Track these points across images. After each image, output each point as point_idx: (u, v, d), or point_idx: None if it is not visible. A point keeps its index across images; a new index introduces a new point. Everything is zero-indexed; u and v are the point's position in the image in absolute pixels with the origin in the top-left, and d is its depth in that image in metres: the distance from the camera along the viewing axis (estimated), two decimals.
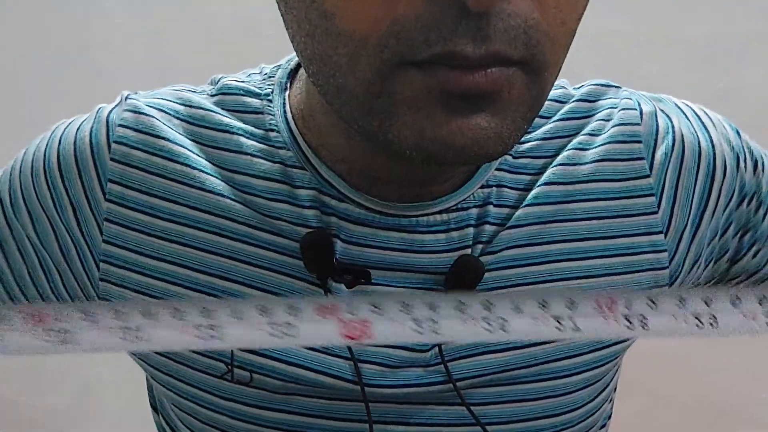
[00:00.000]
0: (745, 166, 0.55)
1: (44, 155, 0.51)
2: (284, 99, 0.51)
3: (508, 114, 0.38)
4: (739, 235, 0.56)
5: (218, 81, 0.53)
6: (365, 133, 0.40)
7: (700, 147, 0.53)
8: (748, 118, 1.27)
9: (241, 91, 0.52)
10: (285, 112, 0.50)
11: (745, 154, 0.55)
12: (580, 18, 0.39)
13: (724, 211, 0.54)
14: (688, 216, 0.52)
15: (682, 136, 0.53)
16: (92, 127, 0.51)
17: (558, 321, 0.29)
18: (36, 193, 0.51)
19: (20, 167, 0.52)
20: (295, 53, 0.53)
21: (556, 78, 0.40)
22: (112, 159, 0.49)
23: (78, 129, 0.52)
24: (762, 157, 0.57)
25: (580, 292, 0.30)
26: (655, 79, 1.29)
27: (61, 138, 0.52)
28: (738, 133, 0.56)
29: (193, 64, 1.32)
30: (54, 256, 0.52)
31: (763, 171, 0.56)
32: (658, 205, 0.51)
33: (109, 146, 0.50)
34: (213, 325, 0.30)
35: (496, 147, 0.38)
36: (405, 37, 0.35)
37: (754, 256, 0.58)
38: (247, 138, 0.50)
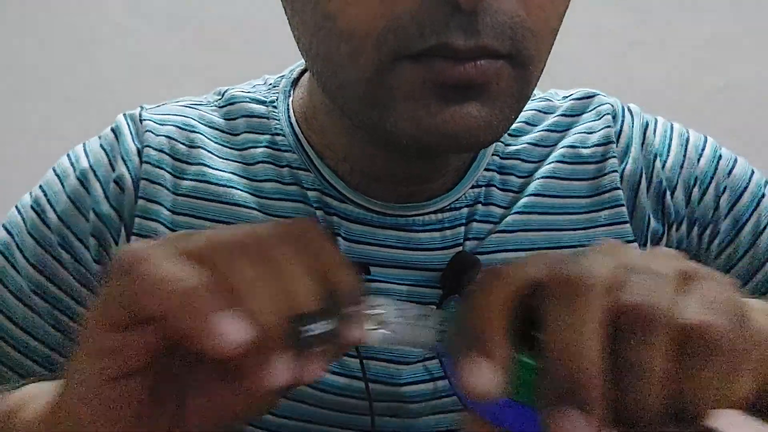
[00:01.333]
0: (702, 195, 0.55)
1: (81, 182, 0.52)
2: (288, 104, 0.54)
3: (497, 104, 0.40)
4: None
5: (224, 93, 0.56)
6: (366, 125, 0.42)
7: (654, 165, 0.54)
8: (746, 116, 1.28)
9: (248, 99, 0.54)
10: (289, 116, 0.53)
11: (708, 182, 0.55)
12: (562, 17, 0.42)
13: (676, 233, 0.55)
14: (645, 230, 0.54)
15: (639, 154, 0.54)
16: (122, 148, 0.52)
17: None
18: (84, 218, 0.52)
19: (52, 204, 0.53)
20: (294, 63, 0.55)
21: (541, 72, 0.43)
22: (143, 178, 0.51)
23: (107, 150, 0.53)
24: (744, 190, 0.56)
25: None
26: (656, 79, 1.30)
27: (91, 162, 0.53)
28: (718, 160, 0.56)
29: (193, 64, 1.32)
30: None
31: (733, 203, 0.55)
32: (629, 215, 0.53)
33: (141, 166, 0.52)
34: None
35: (486, 135, 0.41)
36: (402, 32, 0.38)
37: None
38: (256, 147, 0.53)
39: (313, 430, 0.50)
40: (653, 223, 0.54)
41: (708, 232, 0.55)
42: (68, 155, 0.55)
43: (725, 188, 0.55)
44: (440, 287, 0.50)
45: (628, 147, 0.54)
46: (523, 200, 0.52)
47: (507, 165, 0.53)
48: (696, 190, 0.55)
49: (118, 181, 0.52)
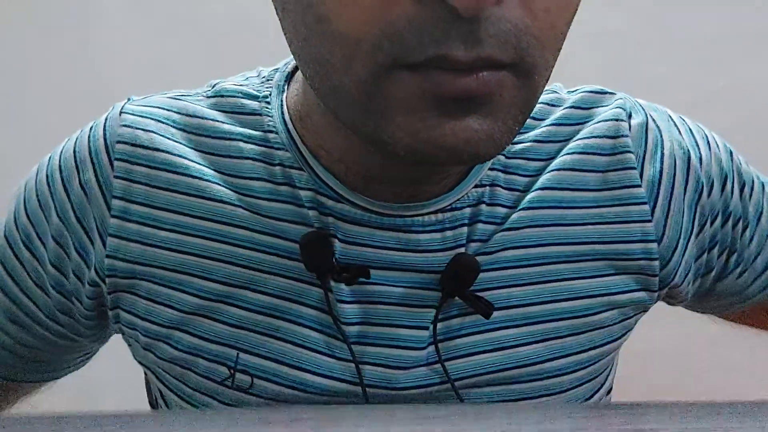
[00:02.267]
0: (732, 189, 0.56)
1: (47, 183, 0.52)
2: (282, 100, 0.52)
3: (500, 116, 0.39)
4: (725, 255, 0.57)
5: (215, 85, 0.54)
6: (361, 133, 0.41)
7: (689, 163, 0.54)
8: (747, 117, 1.27)
9: (239, 94, 0.52)
10: (283, 113, 0.51)
11: (733, 176, 0.56)
12: (570, 22, 0.40)
13: (710, 228, 0.55)
14: (681, 228, 0.53)
15: (672, 150, 0.54)
16: (91, 146, 0.51)
17: None
18: (46, 219, 0.52)
19: (24, 201, 0.53)
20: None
21: (547, 80, 0.41)
22: (116, 177, 0.50)
23: (77, 150, 0.52)
24: (753, 181, 0.58)
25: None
26: (656, 79, 1.29)
27: (60, 163, 0.52)
28: (731, 154, 0.57)
29: (193, 64, 1.32)
30: (71, 282, 0.52)
31: (751, 194, 0.57)
32: (652, 214, 0.52)
33: (112, 165, 0.50)
34: None
35: (488, 149, 0.39)
36: (398, 39, 0.36)
37: (739, 276, 0.59)
38: (246, 142, 0.51)
39: None
40: (686, 219, 0.53)
41: (741, 224, 0.56)
42: (54, 151, 0.54)
43: (744, 183, 0.57)
44: (439, 290, 0.49)
45: (646, 143, 0.53)
46: (530, 196, 0.51)
47: (512, 164, 0.52)
48: (728, 183, 0.56)
49: (84, 185, 0.50)
